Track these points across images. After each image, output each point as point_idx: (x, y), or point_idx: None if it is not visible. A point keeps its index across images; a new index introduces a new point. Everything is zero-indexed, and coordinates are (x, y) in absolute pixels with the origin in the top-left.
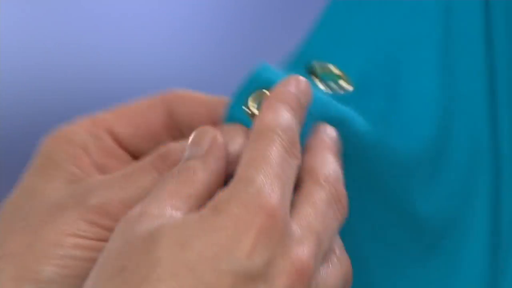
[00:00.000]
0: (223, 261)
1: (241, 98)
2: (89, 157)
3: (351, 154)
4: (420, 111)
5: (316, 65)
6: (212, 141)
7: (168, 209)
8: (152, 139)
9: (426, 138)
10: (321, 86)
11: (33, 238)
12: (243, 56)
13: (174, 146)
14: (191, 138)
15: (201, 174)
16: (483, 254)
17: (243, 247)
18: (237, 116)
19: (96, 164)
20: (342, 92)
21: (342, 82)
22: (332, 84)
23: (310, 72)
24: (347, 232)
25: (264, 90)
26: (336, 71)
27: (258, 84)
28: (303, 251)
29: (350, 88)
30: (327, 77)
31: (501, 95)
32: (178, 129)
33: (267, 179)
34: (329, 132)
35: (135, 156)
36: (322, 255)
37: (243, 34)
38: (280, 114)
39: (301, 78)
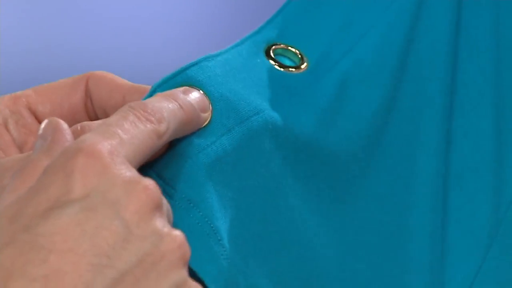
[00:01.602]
0: (58, 206)
1: (163, 90)
2: (10, 134)
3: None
4: (366, 102)
5: (276, 45)
6: (54, 130)
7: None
8: (73, 118)
9: (363, 131)
10: (276, 66)
11: None
12: None
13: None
14: (38, 132)
15: (45, 162)
16: (425, 256)
17: (69, 189)
18: None
19: (16, 141)
20: (294, 71)
21: (298, 60)
22: (287, 62)
23: (266, 53)
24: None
25: (188, 87)
26: (293, 50)
27: (185, 80)
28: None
29: (303, 67)
30: (283, 54)
31: (460, 95)
32: (95, 111)
33: (95, 134)
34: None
35: None
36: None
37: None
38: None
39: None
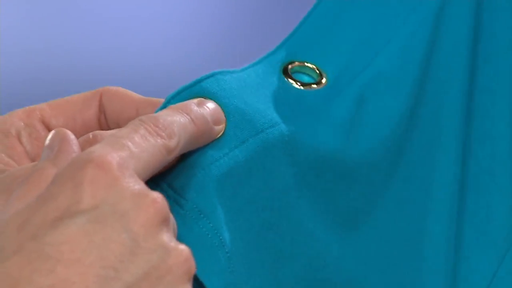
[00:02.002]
0: (66, 217)
1: (177, 101)
2: (23, 146)
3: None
4: (387, 113)
5: (292, 64)
6: (61, 141)
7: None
8: (86, 132)
9: (386, 142)
10: (294, 84)
11: None
12: (243, 57)
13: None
14: (45, 143)
15: (52, 171)
16: (444, 262)
17: (78, 199)
18: None
19: (29, 154)
20: (316, 87)
21: (316, 76)
22: (305, 78)
23: (283, 72)
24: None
25: (203, 99)
26: (311, 66)
27: (199, 92)
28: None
29: (324, 82)
30: (301, 71)
31: (477, 100)
32: (108, 125)
33: (105, 145)
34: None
35: None
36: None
37: (243, 35)
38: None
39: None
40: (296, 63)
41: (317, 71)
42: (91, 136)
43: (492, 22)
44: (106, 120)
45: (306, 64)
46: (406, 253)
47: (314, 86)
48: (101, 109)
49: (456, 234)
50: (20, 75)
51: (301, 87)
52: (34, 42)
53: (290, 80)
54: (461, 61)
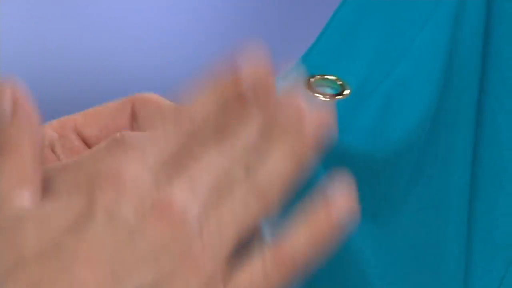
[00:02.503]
0: (82, 222)
1: None
2: (56, 155)
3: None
4: (410, 119)
5: (313, 77)
6: (16, 104)
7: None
8: None
9: (410, 144)
10: (320, 97)
11: None
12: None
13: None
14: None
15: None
16: (458, 258)
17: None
18: None
19: None
20: (340, 97)
21: (338, 87)
22: (329, 90)
23: (307, 86)
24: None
25: None
26: (332, 77)
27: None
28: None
29: (347, 91)
30: (323, 84)
31: (485, 103)
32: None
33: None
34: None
35: None
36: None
37: (244, 35)
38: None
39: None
40: (317, 76)
41: (339, 82)
42: (118, 135)
43: (500, 27)
44: (139, 127)
45: (326, 76)
46: (428, 256)
47: (339, 97)
48: (134, 117)
49: (467, 240)
50: (20, 75)
51: (327, 99)
52: (34, 42)
53: (315, 94)
54: (474, 66)
